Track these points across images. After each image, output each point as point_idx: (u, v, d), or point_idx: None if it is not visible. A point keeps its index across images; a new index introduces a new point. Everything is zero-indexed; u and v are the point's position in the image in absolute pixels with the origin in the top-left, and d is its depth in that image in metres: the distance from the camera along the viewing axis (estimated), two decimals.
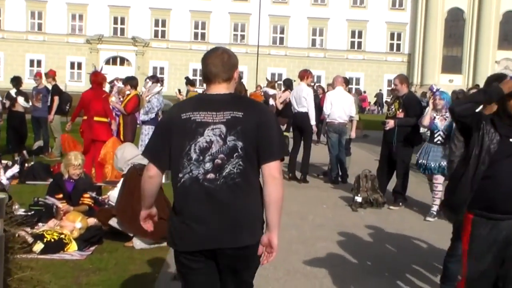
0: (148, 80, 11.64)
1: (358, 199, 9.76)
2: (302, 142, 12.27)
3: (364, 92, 52.02)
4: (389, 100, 22.60)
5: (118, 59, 61.61)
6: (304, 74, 12.46)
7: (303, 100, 12.06)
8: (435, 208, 9.03)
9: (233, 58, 3.49)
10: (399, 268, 6.60)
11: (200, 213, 3.32)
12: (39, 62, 59.09)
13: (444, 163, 8.68)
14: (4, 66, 58.29)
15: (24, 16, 60.07)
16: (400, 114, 9.79)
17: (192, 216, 3.34)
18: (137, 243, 6.80)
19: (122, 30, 61.77)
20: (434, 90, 9.35)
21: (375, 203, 9.83)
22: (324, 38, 62.70)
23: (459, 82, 56.96)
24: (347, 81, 13.45)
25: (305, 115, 12.05)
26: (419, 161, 9.14)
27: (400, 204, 9.84)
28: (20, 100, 14.68)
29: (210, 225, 3.31)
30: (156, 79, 11.74)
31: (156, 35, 61.96)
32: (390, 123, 9.90)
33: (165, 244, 6.85)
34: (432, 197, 9.17)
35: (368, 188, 9.91)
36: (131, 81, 11.68)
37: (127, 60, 61.69)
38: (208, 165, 3.29)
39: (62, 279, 5.64)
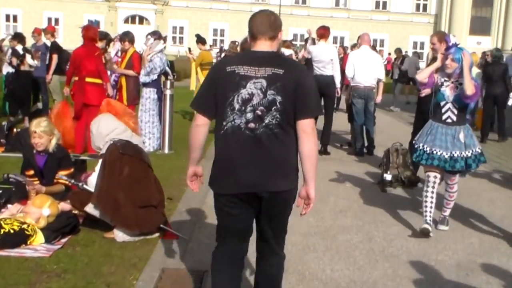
0: (149, 36, 10.19)
1: (388, 177, 8.40)
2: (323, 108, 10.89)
3: (389, 54, 50.16)
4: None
5: (137, 18, 60.30)
6: (325, 32, 11.08)
7: (328, 62, 10.71)
8: (448, 212, 6.65)
9: (278, 19, 3.71)
10: (440, 268, 5.29)
11: (240, 159, 3.51)
12: (57, 20, 58.12)
13: (457, 153, 6.16)
14: (22, 24, 56.99)
15: None
16: None
17: (233, 161, 3.52)
18: (119, 235, 5.55)
19: None
20: (450, 44, 6.45)
21: (407, 182, 8.50)
22: None
23: (487, 44, 54.87)
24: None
25: (329, 78, 10.71)
26: (418, 146, 6.41)
27: None
28: (28, 58, 13.49)
29: (249, 170, 3.49)
30: (158, 35, 10.23)
31: None
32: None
33: (152, 236, 5.64)
34: (445, 200, 6.62)
35: (399, 164, 8.56)
36: (128, 36, 10.19)
37: (146, 19, 60.42)
38: (249, 115, 3.49)
39: (12, 286, 4.41)
